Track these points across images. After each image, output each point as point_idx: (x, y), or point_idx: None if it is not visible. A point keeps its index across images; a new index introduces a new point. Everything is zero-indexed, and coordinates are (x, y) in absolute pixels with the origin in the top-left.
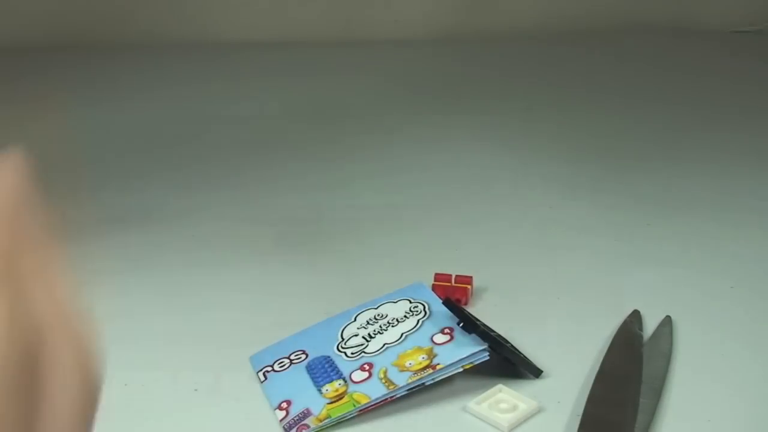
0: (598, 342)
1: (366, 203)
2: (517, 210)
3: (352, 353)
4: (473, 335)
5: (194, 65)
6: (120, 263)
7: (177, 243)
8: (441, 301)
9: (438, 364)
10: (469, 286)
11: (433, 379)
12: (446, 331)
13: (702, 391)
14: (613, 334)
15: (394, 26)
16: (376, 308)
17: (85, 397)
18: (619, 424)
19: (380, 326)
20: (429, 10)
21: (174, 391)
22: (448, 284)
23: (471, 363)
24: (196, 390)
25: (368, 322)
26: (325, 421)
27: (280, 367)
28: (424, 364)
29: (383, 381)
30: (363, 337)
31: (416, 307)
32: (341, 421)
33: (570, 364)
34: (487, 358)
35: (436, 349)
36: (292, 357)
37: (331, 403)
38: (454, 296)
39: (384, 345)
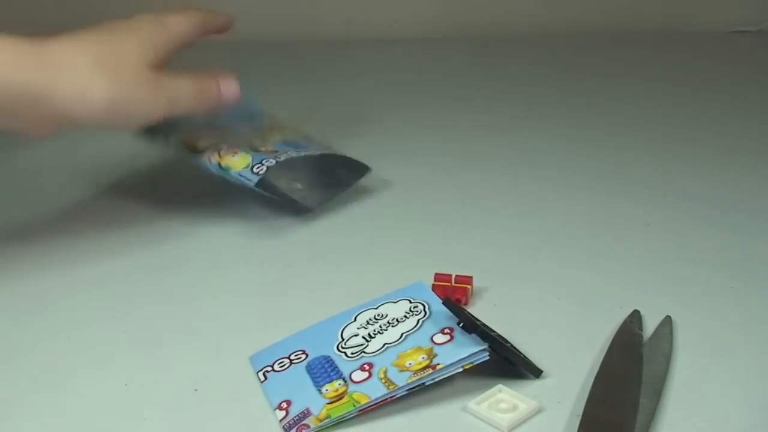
0: (598, 342)
1: (366, 203)
2: (518, 210)
3: (352, 353)
4: (473, 335)
5: (193, 65)
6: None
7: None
8: (441, 301)
9: (438, 364)
10: (469, 286)
11: (433, 379)
12: (446, 331)
13: (702, 391)
14: (613, 334)
15: (394, 26)
16: (376, 308)
17: None
18: (619, 424)
19: (380, 326)
20: (429, 10)
21: (174, 391)
22: (448, 284)
23: (471, 363)
24: (196, 390)
25: (368, 322)
26: (325, 421)
27: (280, 367)
28: (424, 364)
29: (383, 381)
30: (363, 337)
31: (416, 307)
32: (341, 421)
33: (570, 364)
34: (487, 358)
35: (436, 349)
36: (292, 357)
37: (331, 403)
38: (454, 296)
39: (384, 345)
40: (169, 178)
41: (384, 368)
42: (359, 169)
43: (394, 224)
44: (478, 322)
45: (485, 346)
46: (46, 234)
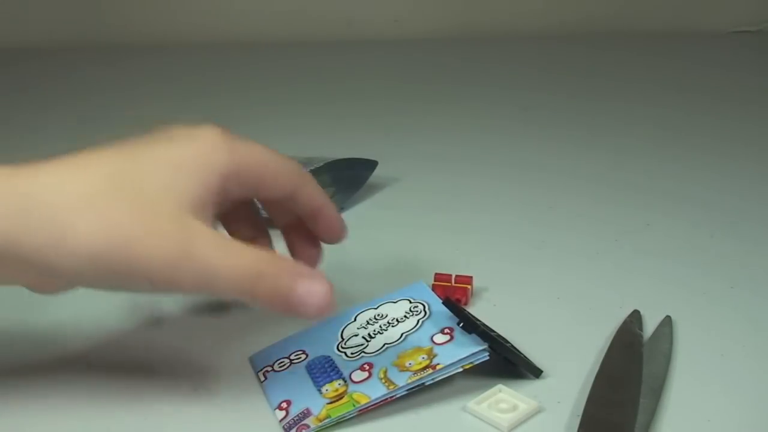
0: (598, 342)
1: (365, 203)
2: (518, 210)
3: (352, 353)
4: (473, 335)
5: (193, 65)
6: None
7: None
8: (441, 301)
9: (438, 364)
10: (469, 286)
11: (433, 379)
12: (446, 331)
13: (702, 391)
14: (613, 334)
15: (394, 26)
16: (376, 308)
17: None
18: (619, 424)
19: (380, 326)
20: (429, 10)
21: (174, 391)
22: (448, 284)
23: (471, 363)
24: (195, 390)
25: (368, 322)
26: (325, 421)
27: (280, 367)
28: (424, 364)
29: (383, 381)
30: (363, 337)
31: (416, 307)
32: (341, 421)
33: (570, 364)
34: (487, 357)
35: (436, 349)
36: (292, 357)
37: (331, 403)
38: (454, 296)
39: (384, 345)
40: None
41: (384, 368)
42: (367, 164)
43: (394, 224)
44: (478, 322)
45: (485, 346)
46: None
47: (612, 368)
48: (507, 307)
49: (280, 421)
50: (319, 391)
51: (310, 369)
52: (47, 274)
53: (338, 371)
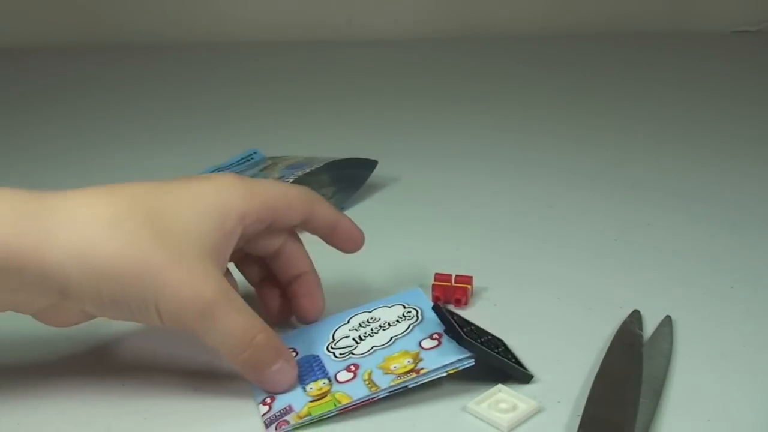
0: (598, 342)
1: (365, 203)
2: (518, 210)
3: (340, 354)
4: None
5: (192, 65)
6: None
7: None
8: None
9: (423, 368)
10: (469, 286)
11: (416, 383)
12: (435, 336)
13: (702, 391)
14: (613, 334)
15: (394, 26)
16: (370, 311)
17: None
18: (619, 424)
19: (371, 329)
20: (429, 10)
21: (173, 391)
22: (448, 284)
23: (456, 368)
24: (195, 390)
25: (360, 325)
26: (305, 418)
27: None
28: (409, 367)
29: (366, 382)
30: (353, 339)
31: (410, 312)
32: (322, 419)
33: (570, 364)
34: (473, 364)
35: (423, 354)
36: None
37: (314, 401)
38: (454, 296)
39: (372, 347)
40: None
41: (369, 370)
42: (367, 164)
43: (394, 224)
44: (465, 329)
45: (470, 353)
46: None
47: (612, 368)
48: (507, 307)
49: (263, 416)
50: (304, 389)
51: (298, 367)
52: (64, 295)
53: (324, 370)
